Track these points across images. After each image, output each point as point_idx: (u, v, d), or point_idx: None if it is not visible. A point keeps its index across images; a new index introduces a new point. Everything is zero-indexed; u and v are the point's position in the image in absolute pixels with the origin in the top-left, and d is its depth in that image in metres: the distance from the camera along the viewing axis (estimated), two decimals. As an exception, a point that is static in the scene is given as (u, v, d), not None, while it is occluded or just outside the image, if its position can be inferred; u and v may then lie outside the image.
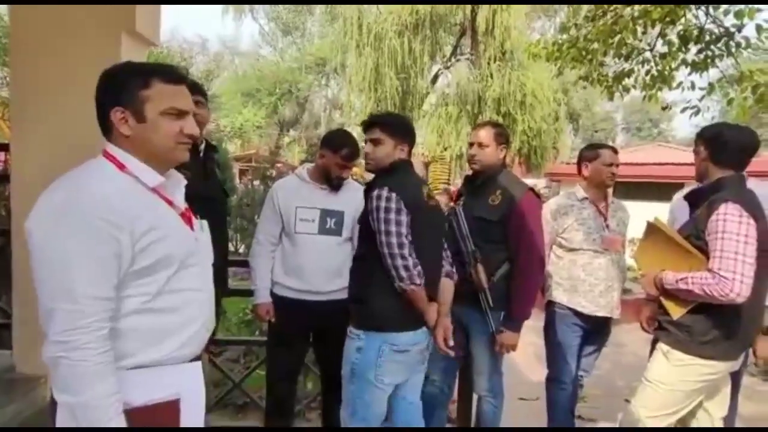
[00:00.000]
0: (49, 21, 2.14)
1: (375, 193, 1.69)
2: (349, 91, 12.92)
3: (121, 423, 1.01)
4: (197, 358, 1.20)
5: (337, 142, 2.09)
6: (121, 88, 1.11)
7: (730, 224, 1.67)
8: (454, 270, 1.91)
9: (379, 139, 1.81)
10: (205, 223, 1.27)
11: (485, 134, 2.19)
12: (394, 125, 1.87)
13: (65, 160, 2.15)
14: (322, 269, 2.12)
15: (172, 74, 1.14)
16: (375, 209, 1.66)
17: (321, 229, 2.12)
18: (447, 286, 1.86)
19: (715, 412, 1.94)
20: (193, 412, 1.15)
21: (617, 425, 2.03)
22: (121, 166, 1.10)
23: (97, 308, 0.99)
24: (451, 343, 1.83)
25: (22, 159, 2.19)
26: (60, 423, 1.05)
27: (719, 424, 1.95)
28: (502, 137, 2.21)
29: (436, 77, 13.02)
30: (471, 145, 2.25)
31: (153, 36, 2.41)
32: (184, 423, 1.12)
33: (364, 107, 12.06)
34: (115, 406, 1.00)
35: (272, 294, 2.19)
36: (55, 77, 2.16)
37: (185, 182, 1.23)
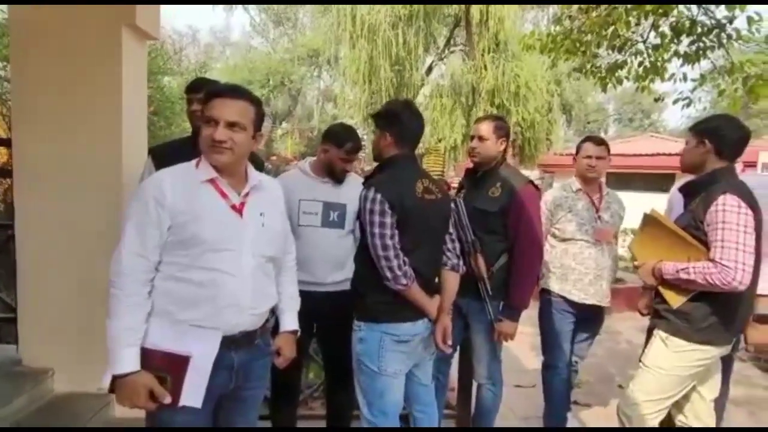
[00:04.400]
0: (48, 15, 2.14)
1: (362, 193, 1.70)
2: (343, 83, 12.86)
3: (132, 353, 1.28)
4: (233, 339, 1.39)
5: (341, 137, 2.11)
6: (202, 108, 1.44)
7: (730, 215, 1.71)
8: (461, 263, 1.89)
9: (375, 131, 1.84)
10: (269, 219, 1.48)
11: (485, 127, 2.23)
12: (381, 116, 1.83)
13: (68, 154, 2.17)
14: (325, 261, 2.15)
15: (215, 90, 1.40)
16: (362, 210, 1.69)
17: (324, 221, 2.15)
18: (451, 279, 1.86)
19: (706, 395, 2.01)
20: (199, 375, 1.34)
21: (611, 410, 2.09)
22: (198, 163, 1.42)
23: (133, 261, 1.31)
24: (450, 342, 1.85)
25: (25, 154, 2.20)
26: None
27: (711, 405, 2.02)
28: (502, 130, 2.24)
29: (430, 69, 12.98)
30: (472, 138, 2.29)
31: (153, 29, 2.42)
32: (189, 380, 1.32)
33: (358, 99, 12.03)
34: (129, 338, 1.29)
35: (276, 286, 2.22)
36: (55, 71, 2.17)
37: (253, 183, 1.46)
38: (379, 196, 1.65)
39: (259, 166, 2.45)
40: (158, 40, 2.85)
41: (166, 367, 1.32)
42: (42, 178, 2.19)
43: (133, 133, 2.33)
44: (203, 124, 1.38)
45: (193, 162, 1.43)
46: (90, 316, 2.13)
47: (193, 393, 1.33)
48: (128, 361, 1.28)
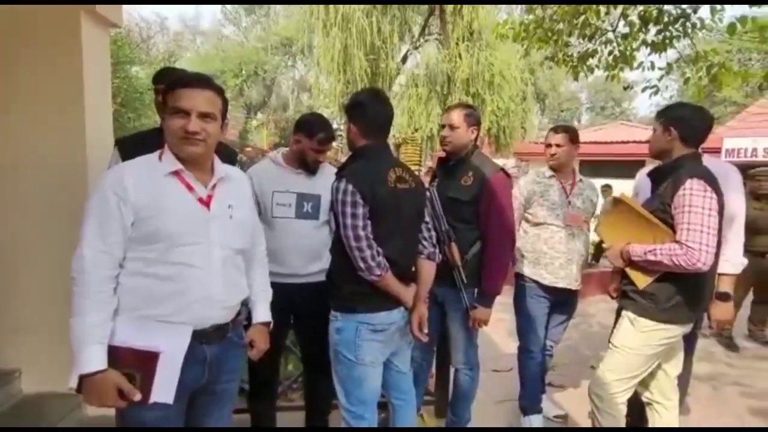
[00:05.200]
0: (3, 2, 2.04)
1: (334, 185, 1.70)
2: (318, 72, 12.70)
3: (98, 351, 1.25)
4: (204, 333, 1.38)
5: (313, 127, 2.09)
6: (163, 97, 1.42)
7: (696, 198, 1.77)
8: (437, 251, 1.89)
9: (347, 122, 1.84)
10: (238, 211, 1.47)
11: (456, 116, 2.24)
12: (349, 107, 1.83)
13: (29, 148, 2.09)
14: (300, 253, 2.13)
15: (178, 81, 1.36)
16: (334, 201, 1.70)
17: (298, 213, 2.13)
18: (427, 268, 1.86)
19: (671, 371, 2.09)
20: (170, 371, 1.32)
21: (584, 391, 2.15)
22: (160, 155, 1.38)
23: (96, 257, 1.27)
24: (426, 330, 1.86)
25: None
26: None
27: (675, 381, 2.11)
28: (473, 118, 2.25)
29: (405, 58, 12.92)
30: (443, 126, 2.29)
31: (115, 16, 2.33)
32: (159, 376, 1.30)
33: (333, 89, 11.90)
34: (95, 336, 1.25)
35: (251, 278, 2.20)
36: (10, 61, 2.07)
37: (221, 175, 1.44)
38: (350, 186, 1.64)
39: (232, 158, 2.40)
40: (122, 28, 2.75)
41: (135, 364, 1.29)
42: (1, 174, 2.10)
43: (98, 125, 2.25)
44: (169, 116, 1.33)
45: (155, 154, 1.39)
46: (58, 315, 2.06)
47: (164, 389, 1.31)
48: (95, 360, 1.24)
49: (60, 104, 2.11)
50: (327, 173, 2.19)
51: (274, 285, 2.14)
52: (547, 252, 2.55)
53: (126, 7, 2.38)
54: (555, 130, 2.63)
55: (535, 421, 2.64)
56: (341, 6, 10.98)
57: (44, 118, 2.11)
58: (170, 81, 1.38)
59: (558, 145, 2.56)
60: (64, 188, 2.11)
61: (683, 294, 1.89)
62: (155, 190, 1.32)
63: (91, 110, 2.17)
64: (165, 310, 1.31)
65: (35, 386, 2.24)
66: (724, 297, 2.18)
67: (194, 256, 1.34)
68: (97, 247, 1.27)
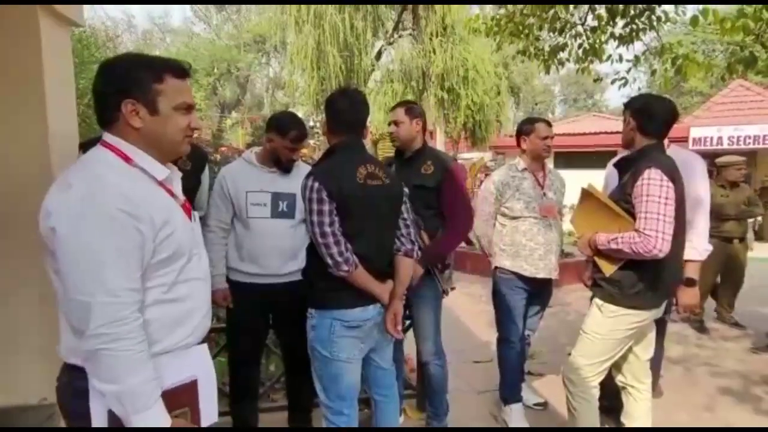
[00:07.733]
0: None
1: (302, 183, 1.71)
2: (291, 70, 12.57)
3: (161, 407, 1.06)
4: (203, 342, 1.28)
5: (285, 126, 2.08)
6: (133, 81, 1.10)
7: (653, 188, 1.83)
8: (416, 248, 1.89)
9: (325, 122, 1.85)
10: (196, 214, 1.35)
11: (399, 113, 2.38)
12: (325, 106, 1.87)
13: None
14: (277, 252, 2.13)
15: (181, 69, 1.16)
16: (302, 199, 1.71)
17: (273, 212, 2.12)
18: (404, 264, 1.85)
19: (642, 355, 2.16)
20: (208, 391, 1.22)
21: (561, 378, 2.20)
22: (128, 159, 1.11)
23: (133, 299, 1.04)
24: (400, 327, 1.87)
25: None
26: (97, 412, 1.07)
27: (647, 365, 2.18)
28: (414, 111, 2.38)
29: (379, 54, 12.89)
30: (389, 124, 2.44)
31: (76, 15, 2.25)
32: (202, 401, 1.19)
33: (308, 86, 11.80)
34: (156, 391, 1.06)
35: (228, 280, 2.17)
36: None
37: (180, 174, 1.27)
38: (316, 184, 1.65)
39: (204, 160, 2.36)
40: (85, 27, 2.65)
41: (180, 401, 1.15)
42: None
43: (62, 126, 2.17)
44: (176, 111, 1.13)
45: (116, 158, 1.10)
46: (13, 326, 2.01)
47: (210, 411, 1.23)
48: (160, 419, 1.06)
49: (19, 105, 2.03)
50: (302, 171, 2.17)
51: (251, 286, 2.14)
52: (526, 244, 2.58)
53: (91, 6, 2.30)
54: (547, 123, 2.66)
55: (515, 409, 2.69)
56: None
57: (3, 119, 2.03)
58: (176, 69, 1.15)
59: (552, 138, 2.62)
60: (25, 189, 2.03)
61: (645, 281, 1.95)
62: (157, 201, 1.11)
63: (54, 111, 2.09)
64: (185, 332, 1.17)
65: (3, 399, 2.16)
66: (689, 283, 2.26)
67: (196, 269, 1.21)
68: (124, 286, 1.02)
